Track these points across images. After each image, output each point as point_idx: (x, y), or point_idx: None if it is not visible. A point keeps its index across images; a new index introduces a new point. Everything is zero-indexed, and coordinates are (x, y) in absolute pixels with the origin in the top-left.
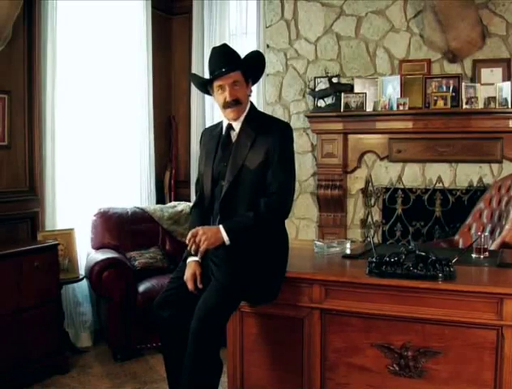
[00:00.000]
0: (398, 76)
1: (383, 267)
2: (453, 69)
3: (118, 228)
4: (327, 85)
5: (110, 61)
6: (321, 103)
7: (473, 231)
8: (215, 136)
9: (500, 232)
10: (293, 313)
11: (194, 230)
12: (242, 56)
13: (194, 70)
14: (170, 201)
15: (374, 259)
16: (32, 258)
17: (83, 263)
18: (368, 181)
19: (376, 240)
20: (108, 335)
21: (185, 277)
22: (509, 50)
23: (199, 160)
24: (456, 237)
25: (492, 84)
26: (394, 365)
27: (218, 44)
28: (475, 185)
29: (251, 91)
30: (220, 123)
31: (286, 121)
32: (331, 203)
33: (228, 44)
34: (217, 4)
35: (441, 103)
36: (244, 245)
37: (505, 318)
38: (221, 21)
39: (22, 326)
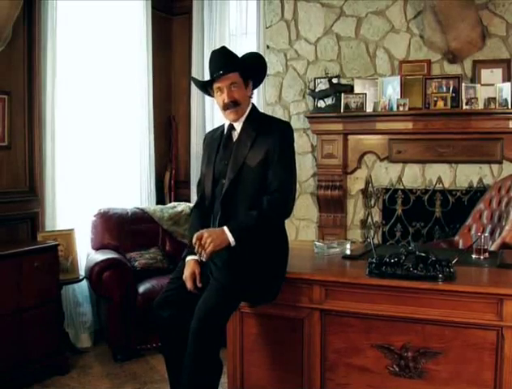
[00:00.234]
0: (398, 77)
1: (383, 268)
2: (453, 69)
3: (118, 228)
4: (327, 86)
5: (110, 62)
6: (321, 103)
7: (473, 232)
8: (216, 138)
9: (500, 233)
10: (293, 313)
11: (198, 233)
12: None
13: (193, 71)
14: (170, 201)
15: (374, 260)
16: (32, 258)
17: (83, 264)
18: (368, 182)
19: (376, 240)
20: (108, 335)
21: (184, 276)
22: (509, 51)
23: (201, 162)
24: (456, 237)
25: (492, 85)
26: (394, 366)
27: (217, 47)
28: (475, 185)
29: (252, 92)
30: (222, 126)
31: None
32: (331, 204)
33: (228, 44)
34: (217, 4)
35: (441, 103)
36: (249, 245)
37: (505, 318)
38: (221, 21)
39: (22, 326)
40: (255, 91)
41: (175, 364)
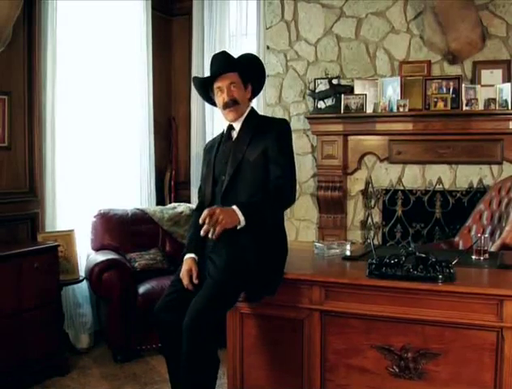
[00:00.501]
0: (399, 78)
1: (383, 269)
2: (453, 70)
3: (118, 229)
4: (327, 86)
5: (110, 63)
6: (321, 104)
7: (473, 233)
8: (215, 142)
9: (500, 234)
10: (293, 314)
11: (210, 209)
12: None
13: (193, 71)
14: (170, 202)
15: (374, 261)
16: (32, 259)
17: (83, 265)
18: (368, 183)
19: (376, 241)
20: (108, 336)
21: (180, 274)
22: (509, 52)
23: (201, 168)
24: (456, 238)
25: (493, 86)
26: (394, 367)
27: (217, 48)
28: (475, 186)
29: (251, 96)
30: (221, 133)
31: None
32: (331, 205)
33: (228, 45)
34: (217, 5)
35: (441, 104)
36: (257, 226)
37: (505, 319)
38: (221, 22)
39: (22, 327)
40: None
41: (176, 365)
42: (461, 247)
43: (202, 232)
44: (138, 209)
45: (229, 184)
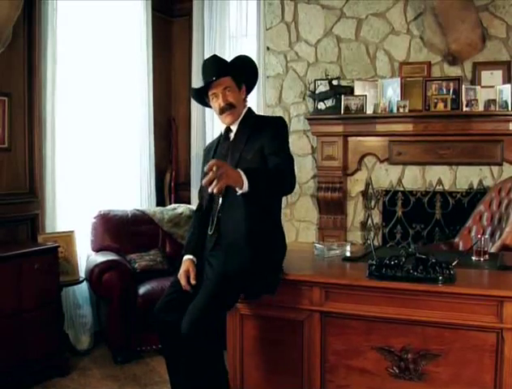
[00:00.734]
0: (399, 79)
1: (383, 270)
2: (453, 71)
3: (118, 230)
4: (327, 87)
5: (110, 63)
6: (321, 105)
7: (473, 234)
8: (214, 145)
9: (500, 235)
10: (293, 315)
11: (218, 161)
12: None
13: (193, 72)
14: (170, 203)
15: (374, 262)
16: (33, 260)
17: (83, 265)
18: (368, 184)
19: (376, 242)
20: (109, 337)
21: (178, 275)
22: (509, 53)
23: (201, 171)
24: (456, 239)
25: (493, 87)
26: (394, 368)
27: (218, 48)
28: (475, 187)
29: (246, 95)
30: (219, 135)
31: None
32: (331, 206)
33: (228, 46)
34: (217, 6)
35: (441, 105)
36: (261, 195)
37: (505, 320)
38: (221, 23)
39: (22, 328)
40: (255, 93)
41: (176, 365)
42: (461, 248)
43: (204, 182)
44: (138, 210)
45: None
